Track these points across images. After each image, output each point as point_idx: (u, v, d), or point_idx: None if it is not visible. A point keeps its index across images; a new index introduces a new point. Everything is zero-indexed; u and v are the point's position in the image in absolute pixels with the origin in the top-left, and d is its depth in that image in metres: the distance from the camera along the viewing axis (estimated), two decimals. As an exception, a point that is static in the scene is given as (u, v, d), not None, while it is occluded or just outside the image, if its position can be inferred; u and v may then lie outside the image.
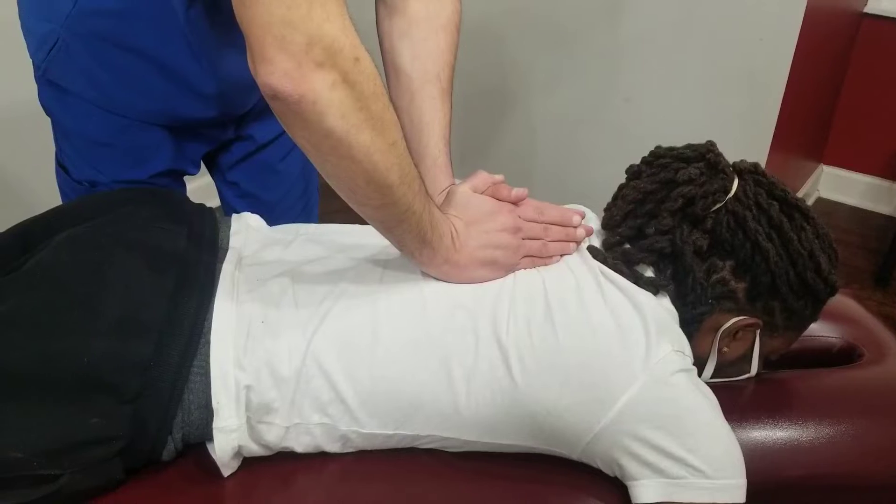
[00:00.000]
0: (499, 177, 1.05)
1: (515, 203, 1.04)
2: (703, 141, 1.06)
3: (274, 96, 0.78)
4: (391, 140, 0.85)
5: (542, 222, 1.02)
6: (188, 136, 1.23)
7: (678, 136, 1.15)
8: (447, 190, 1.07)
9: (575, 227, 1.04)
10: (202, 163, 1.34)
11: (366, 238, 1.07)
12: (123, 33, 1.06)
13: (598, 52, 2.34)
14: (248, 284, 0.98)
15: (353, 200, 0.89)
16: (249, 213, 1.16)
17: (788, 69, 2.12)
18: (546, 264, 1.01)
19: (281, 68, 0.76)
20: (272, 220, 1.20)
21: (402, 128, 0.97)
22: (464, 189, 1.04)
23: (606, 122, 2.40)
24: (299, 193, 1.44)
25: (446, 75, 1.14)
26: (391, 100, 0.97)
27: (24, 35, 1.13)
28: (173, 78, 1.11)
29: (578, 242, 1.03)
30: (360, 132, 0.81)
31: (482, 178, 1.04)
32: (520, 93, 2.50)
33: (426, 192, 0.93)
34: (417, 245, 0.94)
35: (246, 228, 1.10)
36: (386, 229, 0.93)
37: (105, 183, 1.19)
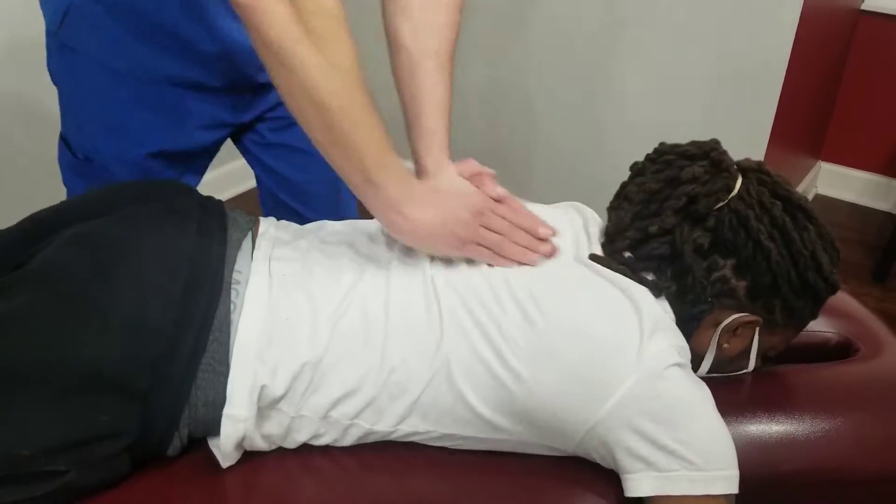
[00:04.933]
0: (489, 170, 1.08)
1: (496, 199, 1.06)
2: (699, 138, 1.07)
3: (237, 4, 0.91)
4: (335, 61, 0.93)
5: (511, 222, 1.04)
6: (201, 119, 1.28)
7: (675, 133, 1.16)
8: (437, 165, 1.10)
9: (542, 240, 1.03)
10: (236, 147, 1.40)
11: (381, 238, 1.08)
12: None
13: (596, 50, 2.34)
14: (277, 279, 0.99)
15: (301, 122, 0.96)
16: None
17: (786, 66, 2.13)
18: (500, 264, 1.01)
19: None
20: (306, 204, 1.27)
21: (403, 103, 1.09)
22: (450, 170, 1.08)
23: (606, 121, 2.40)
24: (331, 177, 1.46)
25: (446, 51, 1.17)
26: (394, 75, 1.09)
27: (41, 4, 1.23)
28: (174, 38, 1.18)
29: (541, 255, 1.02)
30: (297, 44, 0.91)
31: (471, 165, 1.09)
32: (518, 91, 2.51)
33: (386, 144, 0.98)
34: (359, 180, 0.98)
35: (275, 227, 1.10)
36: (329, 157, 0.99)
37: (108, 157, 1.24)
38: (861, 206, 3.03)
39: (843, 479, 1.04)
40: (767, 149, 2.24)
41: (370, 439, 0.99)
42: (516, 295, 0.96)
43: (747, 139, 2.20)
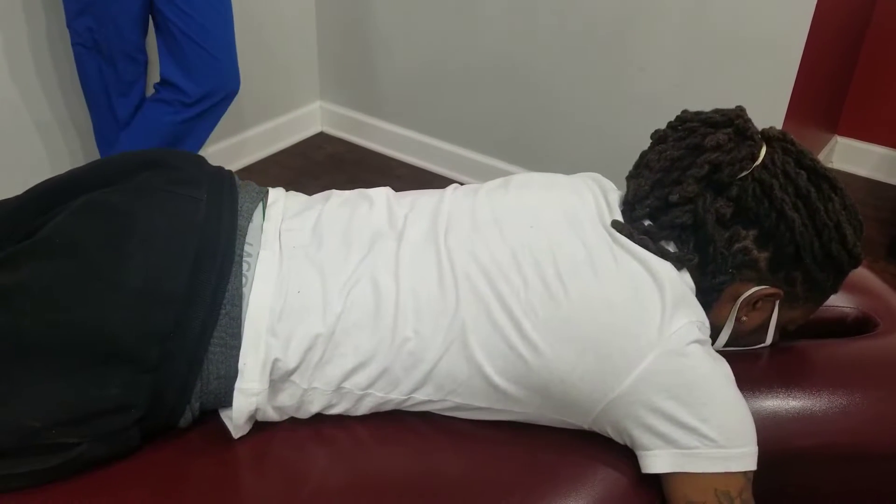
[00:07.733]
0: None
1: None
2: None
3: None
4: None
5: None
6: None
7: (692, 105, 1.14)
8: None
9: None
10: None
11: (392, 206, 1.06)
12: None
13: (611, 20, 2.31)
14: (288, 251, 0.98)
15: None
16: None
17: (805, 38, 2.10)
18: None
19: None
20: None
21: None
22: None
23: (621, 92, 2.38)
24: None
25: None
26: None
27: None
28: None
29: None
30: None
31: None
32: (532, 61, 2.48)
33: None
34: None
35: (284, 196, 1.09)
36: None
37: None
38: (877, 181, 3.00)
39: (860, 455, 1.03)
40: (784, 122, 2.21)
41: (384, 408, 0.98)
42: (538, 263, 0.94)
43: (764, 112, 2.17)
